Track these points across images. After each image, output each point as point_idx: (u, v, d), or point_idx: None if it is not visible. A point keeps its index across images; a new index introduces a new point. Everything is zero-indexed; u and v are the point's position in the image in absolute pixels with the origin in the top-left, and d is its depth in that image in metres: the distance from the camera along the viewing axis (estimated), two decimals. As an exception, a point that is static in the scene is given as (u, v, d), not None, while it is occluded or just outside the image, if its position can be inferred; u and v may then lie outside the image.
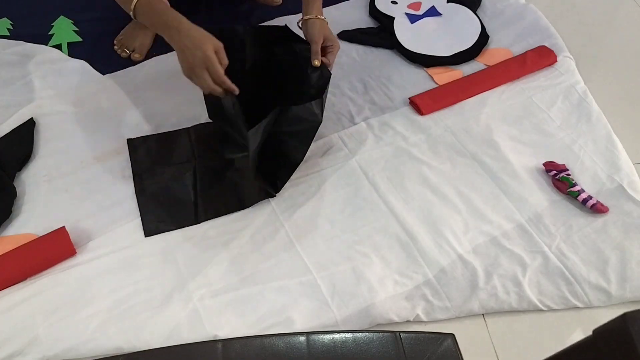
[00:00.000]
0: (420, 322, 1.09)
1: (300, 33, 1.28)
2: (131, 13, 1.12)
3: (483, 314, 1.11)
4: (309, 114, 1.15)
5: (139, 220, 1.20)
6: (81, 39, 1.58)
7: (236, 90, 1.10)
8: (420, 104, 1.41)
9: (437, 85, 1.49)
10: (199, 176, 1.27)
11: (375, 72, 1.53)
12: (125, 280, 1.11)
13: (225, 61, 1.08)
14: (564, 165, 1.29)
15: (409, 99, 1.44)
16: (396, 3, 1.71)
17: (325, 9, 1.70)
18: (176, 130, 1.36)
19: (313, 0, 1.31)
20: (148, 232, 1.18)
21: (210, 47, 1.06)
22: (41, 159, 1.31)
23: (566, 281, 1.13)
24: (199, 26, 1.09)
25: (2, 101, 1.42)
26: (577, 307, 1.11)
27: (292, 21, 1.66)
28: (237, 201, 1.23)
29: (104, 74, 1.49)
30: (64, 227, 1.15)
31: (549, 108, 1.44)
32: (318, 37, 1.24)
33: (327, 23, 1.29)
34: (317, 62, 1.23)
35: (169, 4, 1.13)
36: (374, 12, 1.69)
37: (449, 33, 1.62)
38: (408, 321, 1.09)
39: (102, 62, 1.48)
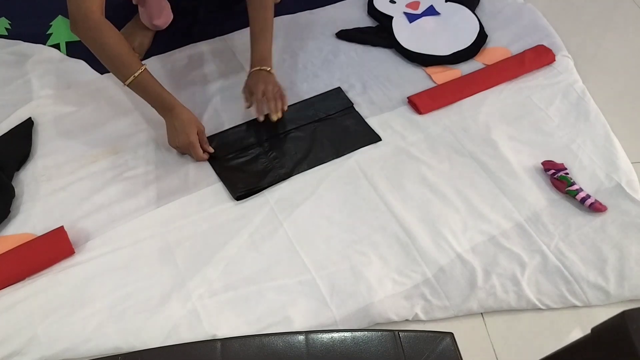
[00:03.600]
0: (419, 321, 1.09)
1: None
2: (125, 83, 1.23)
3: (482, 313, 1.11)
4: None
5: (138, 220, 1.20)
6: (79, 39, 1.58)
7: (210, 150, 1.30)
8: (418, 103, 1.41)
9: (435, 85, 1.49)
10: (270, 146, 1.35)
11: (373, 71, 1.53)
12: (124, 280, 1.11)
13: (205, 142, 1.29)
14: (563, 164, 1.29)
15: (408, 98, 1.44)
16: (395, 2, 1.71)
17: (324, 9, 1.71)
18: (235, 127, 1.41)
19: (256, 48, 1.36)
20: (239, 197, 1.23)
21: (194, 131, 1.26)
22: (40, 159, 1.31)
23: (565, 280, 1.13)
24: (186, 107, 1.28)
25: (0, 101, 1.42)
26: (575, 306, 1.11)
27: (291, 20, 1.67)
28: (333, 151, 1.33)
29: (102, 74, 1.49)
30: (62, 226, 1.15)
31: (547, 107, 1.44)
32: (256, 88, 1.33)
33: (269, 73, 1.34)
34: (261, 118, 1.34)
35: (162, 86, 1.26)
36: (372, 11, 1.69)
37: (447, 32, 1.62)
38: (407, 320, 1.09)
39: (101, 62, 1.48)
